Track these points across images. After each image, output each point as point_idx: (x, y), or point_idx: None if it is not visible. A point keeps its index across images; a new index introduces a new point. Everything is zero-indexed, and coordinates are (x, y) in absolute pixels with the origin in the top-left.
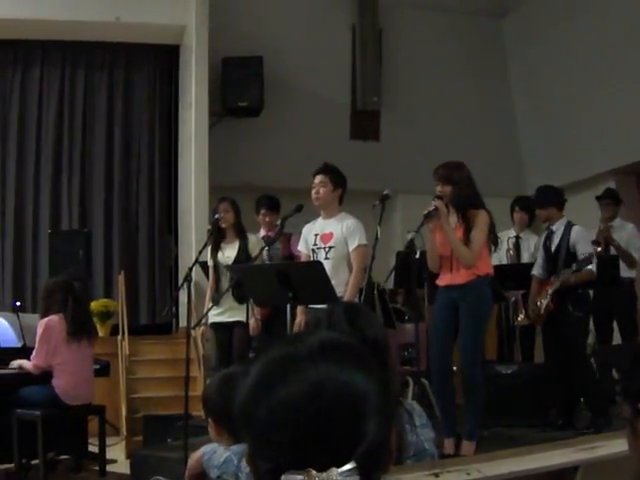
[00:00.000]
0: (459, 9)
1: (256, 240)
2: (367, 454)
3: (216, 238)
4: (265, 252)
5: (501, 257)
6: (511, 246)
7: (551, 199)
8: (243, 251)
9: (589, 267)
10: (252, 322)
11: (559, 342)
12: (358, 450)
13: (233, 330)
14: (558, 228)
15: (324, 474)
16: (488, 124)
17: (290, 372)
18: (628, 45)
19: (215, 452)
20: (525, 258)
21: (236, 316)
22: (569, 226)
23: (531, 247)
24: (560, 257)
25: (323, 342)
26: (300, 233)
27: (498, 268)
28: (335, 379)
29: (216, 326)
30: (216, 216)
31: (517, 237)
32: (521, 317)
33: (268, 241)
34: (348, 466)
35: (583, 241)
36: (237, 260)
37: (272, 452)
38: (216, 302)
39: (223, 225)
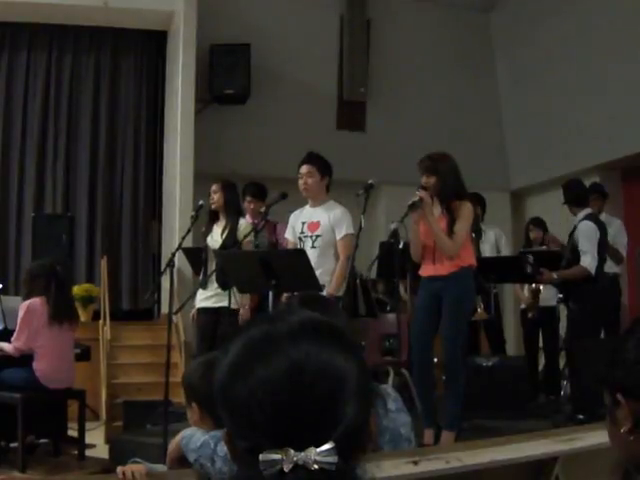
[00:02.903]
0: (448, 2)
1: (246, 224)
2: (346, 435)
3: (211, 221)
4: (253, 240)
5: None
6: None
7: (569, 196)
8: (230, 234)
9: (583, 264)
10: (242, 311)
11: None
12: (337, 430)
13: (219, 316)
14: (577, 222)
15: (302, 453)
16: (474, 117)
17: (270, 351)
18: (614, 41)
19: (193, 436)
20: (487, 250)
21: (223, 302)
22: (580, 221)
23: (491, 238)
24: (566, 252)
25: (303, 321)
26: (285, 221)
27: (481, 260)
28: (315, 359)
29: (202, 311)
30: (200, 202)
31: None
32: (479, 311)
33: (254, 229)
34: (327, 446)
35: (583, 237)
36: (224, 243)
37: (250, 431)
38: (202, 285)
39: (213, 206)
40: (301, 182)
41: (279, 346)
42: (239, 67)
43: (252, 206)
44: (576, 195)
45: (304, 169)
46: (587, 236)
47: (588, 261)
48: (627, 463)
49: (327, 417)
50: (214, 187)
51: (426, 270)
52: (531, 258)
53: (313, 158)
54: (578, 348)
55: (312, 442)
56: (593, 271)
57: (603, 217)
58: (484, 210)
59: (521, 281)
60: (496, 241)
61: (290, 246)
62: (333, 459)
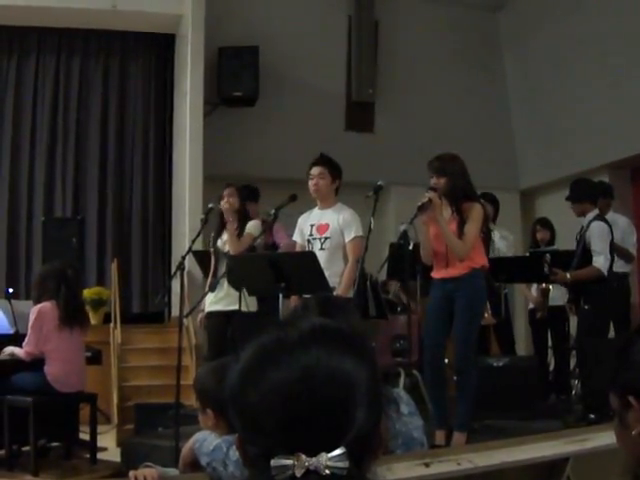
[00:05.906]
0: (455, 1)
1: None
2: (357, 440)
3: (220, 224)
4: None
5: None
6: None
7: (584, 193)
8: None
9: (596, 264)
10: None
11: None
12: (348, 435)
13: (229, 319)
14: (586, 223)
15: (314, 459)
16: (482, 117)
17: (281, 357)
18: (622, 39)
19: (205, 440)
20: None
21: (233, 305)
22: (591, 221)
23: (495, 240)
24: (577, 252)
25: (314, 327)
26: (293, 222)
27: (492, 260)
28: (326, 364)
29: (212, 314)
30: (210, 205)
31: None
32: (486, 316)
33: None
34: (338, 451)
35: (595, 237)
36: None
37: (262, 437)
38: (212, 288)
39: (231, 210)
40: (312, 183)
41: (290, 352)
42: (247, 69)
43: None
44: (588, 194)
45: (316, 170)
46: (600, 236)
47: (601, 262)
48: (637, 467)
49: (338, 422)
50: (228, 190)
51: (438, 272)
52: (549, 258)
53: (325, 160)
54: (589, 348)
55: (323, 447)
56: (606, 272)
57: (610, 216)
58: (497, 211)
59: (534, 281)
60: (499, 242)
61: (298, 249)
62: (344, 464)
